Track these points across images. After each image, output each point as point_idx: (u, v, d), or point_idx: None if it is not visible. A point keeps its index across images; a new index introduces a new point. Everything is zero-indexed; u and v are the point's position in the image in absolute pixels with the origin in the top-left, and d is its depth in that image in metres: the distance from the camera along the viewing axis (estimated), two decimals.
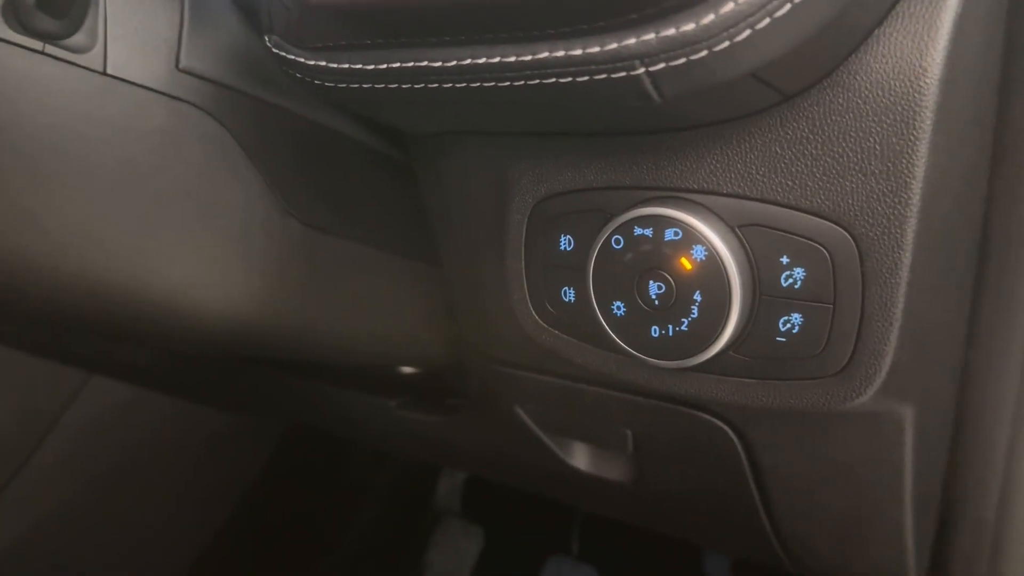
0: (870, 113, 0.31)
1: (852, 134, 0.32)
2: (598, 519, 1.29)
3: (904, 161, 0.31)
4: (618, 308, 0.38)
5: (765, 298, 0.36)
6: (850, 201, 0.33)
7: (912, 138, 0.31)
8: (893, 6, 0.30)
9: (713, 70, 0.27)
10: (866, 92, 0.31)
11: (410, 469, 1.42)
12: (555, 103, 0.31)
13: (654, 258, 0.36)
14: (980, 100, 0.36)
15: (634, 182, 0.37)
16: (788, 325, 0.36)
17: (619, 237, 0.37)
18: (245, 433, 1.22)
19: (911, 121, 0.31)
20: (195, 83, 0.41)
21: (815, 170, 0.33)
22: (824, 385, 0.37)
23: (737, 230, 0.35)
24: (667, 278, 0.36)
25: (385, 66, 0.32)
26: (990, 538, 0.51)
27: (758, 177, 0.34)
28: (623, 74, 0.27)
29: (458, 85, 0.31)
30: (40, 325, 0.73)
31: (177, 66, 0.41)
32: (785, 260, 0.35)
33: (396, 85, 0.33)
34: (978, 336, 0.46)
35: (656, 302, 0.37)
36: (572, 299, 0.42)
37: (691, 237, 0.35)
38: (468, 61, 0.30)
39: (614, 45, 0.26)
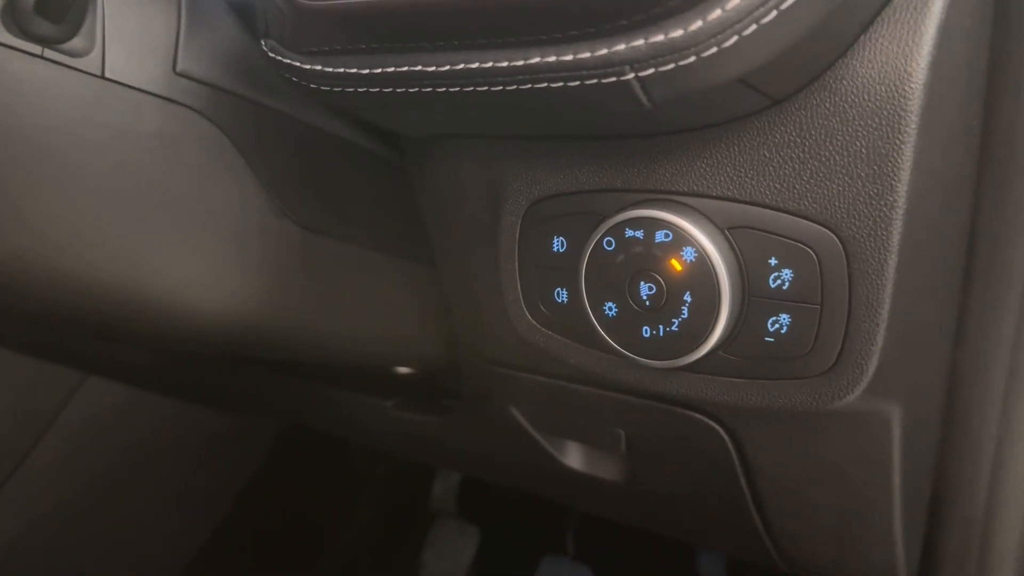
0: (856, 117, 0.32)
1: (839, 137, 0.32)
2: (593, 519, 1.29)
3: (890, 164, 0.32)
4: (610, 309, 0.39)
5: (754, 299, 0.36)
6: (837, 204, 0.33)
7: (897, 141, 0.31)
8: (879, 12, 0.31)
9: (702, 75, 0.27)
10: (852, 96, 0.32)
11: (406, 469, 1.42)
12: (547, 107, 0.32)
13: (645, 259, 0.37)
14: (966, 105, 0.36)
15: (625, 184, 0.38)
16: (776, 326, 0.36)
17: (611, 239, 0.37)
18: (242, 433, 1.22)
19: (896, 125, 0.31)
20: (192, 86, 0.42)
21: (802, 173, 0.34)
22: (812, 385, 0.37)
23: (726, 232, 0.36)
24: (658, 279, 0.37)
25: (380, 70, 0.32)
26: (979, 536, 0.51)
27: (747, 180, 0.35)
28: (613, 79, 0.27)
29: (451, 89, 0.31)
30: (37, 326, 0.73)
31: (174, 69, 0.41)
32: (773, 262, 0.35)
33: (390, 89, 0.33)
34: (966, 336, 0.46)
35: (647, 303, 0.37)
36: (565, 300, 0.42)
37: (681, 239, 0.35)
38: (461, 66, 0.30)
39: (604, 51, 0.27)
